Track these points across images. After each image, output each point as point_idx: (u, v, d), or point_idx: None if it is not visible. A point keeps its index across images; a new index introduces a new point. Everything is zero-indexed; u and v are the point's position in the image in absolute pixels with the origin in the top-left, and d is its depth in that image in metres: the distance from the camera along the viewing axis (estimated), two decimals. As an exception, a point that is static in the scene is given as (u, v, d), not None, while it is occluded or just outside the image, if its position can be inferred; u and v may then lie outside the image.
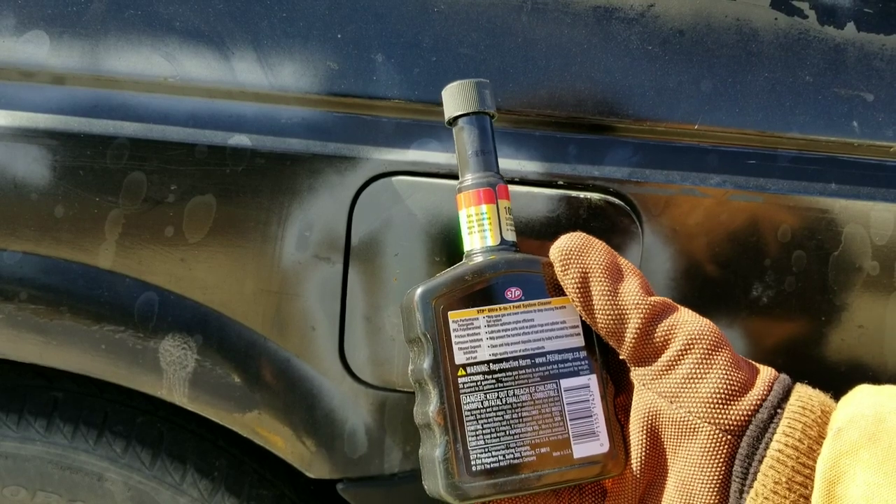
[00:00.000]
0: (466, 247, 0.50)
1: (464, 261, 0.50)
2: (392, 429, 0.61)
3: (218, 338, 0.59)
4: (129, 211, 0.56)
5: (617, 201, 0.55)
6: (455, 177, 0.55)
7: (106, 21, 0.56)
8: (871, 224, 0.56)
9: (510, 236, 0.50)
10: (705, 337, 0.44)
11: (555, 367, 0.47)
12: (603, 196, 0.55)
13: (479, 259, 0.48)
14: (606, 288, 0.45)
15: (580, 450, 0.47)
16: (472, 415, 0.46)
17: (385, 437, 0.61)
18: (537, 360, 0.47)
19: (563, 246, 0.46)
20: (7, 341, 0.60)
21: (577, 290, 0.45)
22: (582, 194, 0.55)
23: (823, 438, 0.42)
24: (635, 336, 0.45)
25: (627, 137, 0.56)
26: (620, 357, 0.47)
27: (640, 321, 0.44)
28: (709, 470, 0.43)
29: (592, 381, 0.48)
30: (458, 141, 0.50)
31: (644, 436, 0.46)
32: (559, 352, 0.48)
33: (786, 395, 0.44)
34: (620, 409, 0.49)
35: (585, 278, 0.45)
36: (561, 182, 0.55)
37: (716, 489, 0.43)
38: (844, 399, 0.44)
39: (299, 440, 0.62)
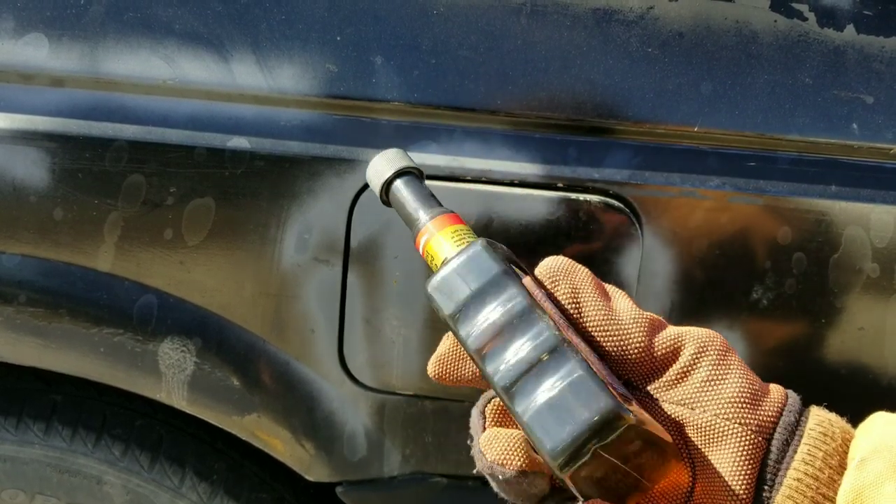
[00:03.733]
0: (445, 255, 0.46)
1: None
2: (392, 432, 0.61)
3: (217, 340, 0.59)
4: (128, 213, 0.56)
5: (617, 203, 0.55)
6: (455, 179, 0.55)
7: (105, 23, 0.55)
8: (871, 226, 0.56)
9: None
10: (715, 340, 0.43)
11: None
12: (603, 198, 0.55)
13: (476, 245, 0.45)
14: (600, 303, 0.43)
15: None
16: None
17: (384, 440, 0.61)
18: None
19: (549, 265, 0.45)
20: (6, 344, 0.60)
21: (570, 306, 0.43)
22: (582, 197, 0.55)
23: (844, 468, 0.40)
24: (640, 350, 0.42)
25: (627, 140, 0.56)
26: (623, 378, 0.44)
27: (642, 335, 0.42)
28: (744, 473, 0.40)
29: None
30: (401, 197, 0.48)
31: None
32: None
33: (801, 409, 0.42)
34: None
35: (576, 294, 0.43)
36: (561, 184, 0.55)
37: (751, 490, 0.40)
38: (864, 427, 0.42)
39: (298, 443, 0.61)
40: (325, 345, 0.58)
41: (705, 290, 0.57)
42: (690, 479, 0.42)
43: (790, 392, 0.43)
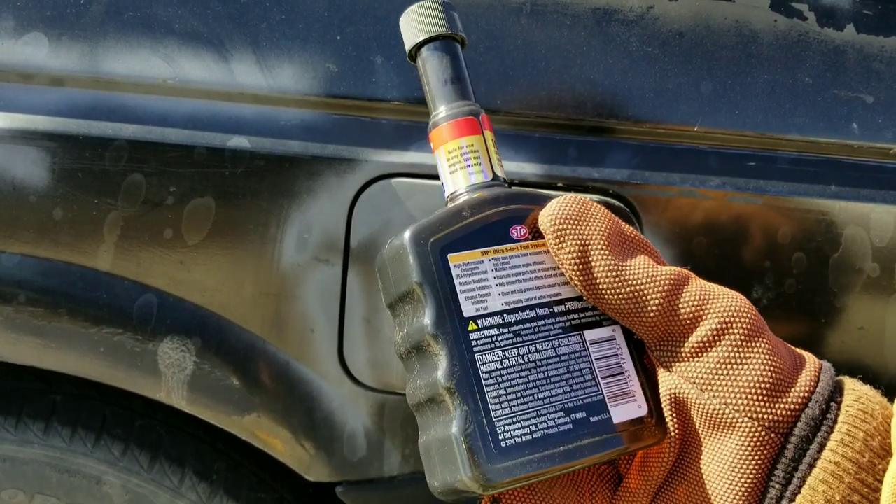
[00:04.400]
0: (448, 190, 0.42)
1: (447, 205, 0.42)
2: (391, 431, 0.61)
3: (217, 340, 0.59)
4: (128, 213, 0.56)
5: (617, 203, 0.55)
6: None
7: (105, 23, 0.55)
8: (871, 226, 0.56)
9: (501, 172, 0.42)
10: (743, 317, 0.37)
11: (575, 316, 0.40)
12: (603, 198, 0.55)
13: (469, 196, 0.41)
14: (612, 262, 0.37)
15: (619, 413, 0.39)
16: (491, 377, 0.37)
17: (384, 440, 0.61)
18: (556, 309, 0.39)
19: (556, 213, 0.38)
20: (5, 344, 0.60)
21: (577, 267, 0.38)
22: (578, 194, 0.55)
23: (886, 451, 0.36)
24: (657, 313, 0.37)
25: (627, 139, 0.56)
26: (636, 337, 0.41)
27: (660, 296, 0.37)
28: (744, 471, 0.36)
29: (618, 332, 0.41)
30: (424, 72, 0.43)
31: (669, 421, 0.39)
32: (577, 298, 0.40)
33: (836, 389, 0.37)
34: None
35: (585, 251, 0.38)
36: (561, 184, 0.55)
37: (747, 492, 0.36)
38: None
39: (298, 443, 0.61)
40: (325, 344, 0.58)
41: (705, 290, 0.57)
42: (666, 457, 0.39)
43: (824, 371, 0.38)
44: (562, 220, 0.38)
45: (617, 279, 0.38)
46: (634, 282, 0.38)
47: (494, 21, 0.55)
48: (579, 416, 0.38)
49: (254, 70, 0.55)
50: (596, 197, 0.55)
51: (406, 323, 0.39)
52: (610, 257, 0.38)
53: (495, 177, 0.42)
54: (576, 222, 0.38)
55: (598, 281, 0.38)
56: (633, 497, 0.40)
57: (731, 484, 0.37)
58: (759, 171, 0.56)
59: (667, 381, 0.39)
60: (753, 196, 0.56)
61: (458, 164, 0.42)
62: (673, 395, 0.39)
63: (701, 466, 0.38)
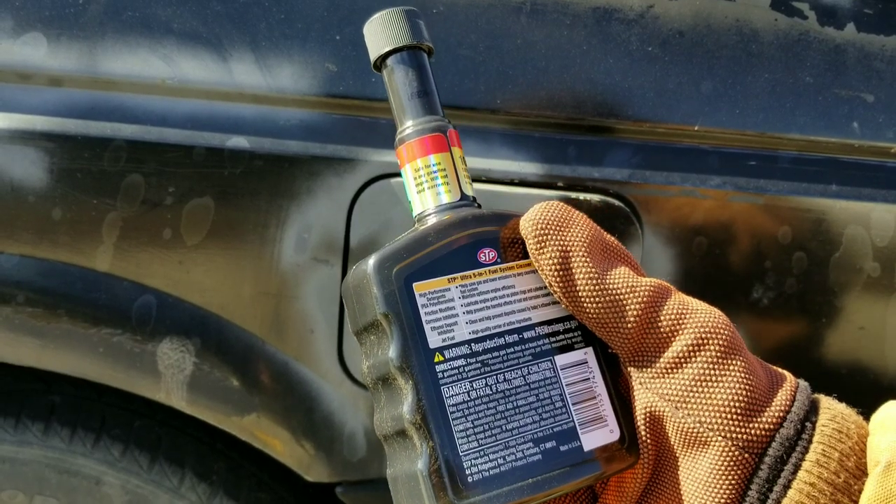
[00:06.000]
0: (416, 210, 0.41)
1: (416, 225, 0.41)
2: (391, 432, 0.61)
3: (216, 341, 0.59)
4: (127, 213, 0.56)
5: (617, 203, 0.55)
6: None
7: (103, 23, 0.55)
8: (872, 225, 0.56)
9: (469, 190, 0.41)
10: (720, 333, 0.37)
11: (546, 341, 0.39)
12: (603, 198, 0.55)
13: (437, 219, 0.39)
14: (593, 270, 0.37)
15: (590, 440, 0.38)
16: (458, 410, 0.36)
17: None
18: (525, 335, 0.38)
19: (538, 218, 0.38)
20: (4, 344, 0.60)
21: (557, 273, 0.37)
22: (582, 196, 0.55)
23: (862, 471, 0.35)
24: (635, 325, 0.37)
25: (627, 139, 0.56)
26: (611, 351, 0.40)
27: (639, 307, 0.37)
28: (717, 490, 0.36)
29: (590, 354, 0.40)
30: (389, 85, 0.42)
31: (644, 439, 0.39)
32: (548, 322, 0.39)
33: (812, 409, 0.37)
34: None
35: (566, 258, 0.37)
36: (561, 184, 0.55)
37: None
38: (881, 422, 0.37)
39: (298, 443, 0.61)
40: (325, 345, 0.58)
41: (705, 290, 0.56)
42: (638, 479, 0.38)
43: (800, 390, 0.38)
44: (544, 226, 0.38)
45: (597, 287, 0.37)
46: (614, 291, 0.37)
47: (494, 20, 0.55)
48: (549, 445, 0.37)
49: (253, 70, 0.55)
50: (596, 197, 0.55)
51: (372, 353, 0.38)
52: (591, 265, 0.37)
53: (463, 196, 0.41)
54: (558, 228, 0.38)
55: (577, 288, 0.37)
56: None
57: (704, 499, 0.36)
58: (759, 171, 0.56)
59: (642, 398, 0.38)
60: (754, 195, 0.55)
61: (426, 184, 0.41)
62: (648, 413, 0.38)
63: (677, 485, 0.37)
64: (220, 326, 0.58)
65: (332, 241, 0.56)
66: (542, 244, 0.37)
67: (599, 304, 0.37)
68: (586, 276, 0.37)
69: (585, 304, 0.37)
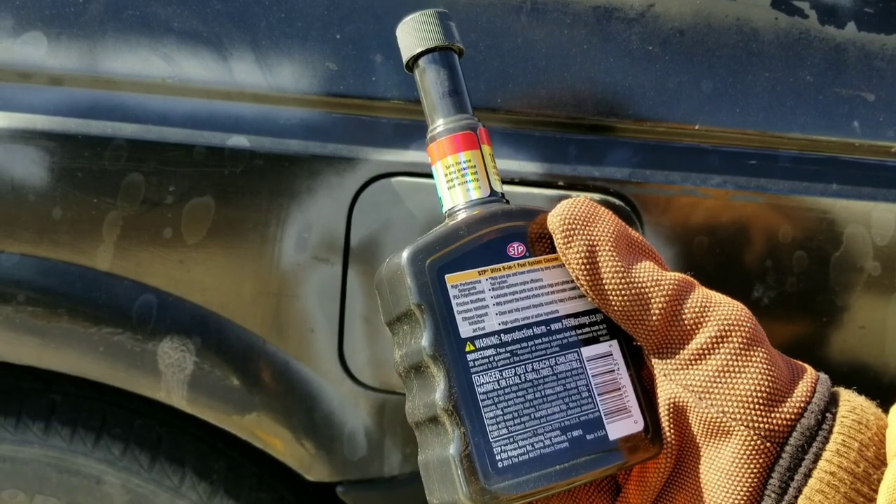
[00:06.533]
0: (446, 206, 0.43)
1: (447, 220, 0.42)
2: (392, 431, 0.61)
3: (217, 340, 0.59)
4: (128, 212, 0.56)
5: (617, 202, 0.55)
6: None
7: (104, 22, 0.55)
8: (873, 224, 0.56)
9: (498, 186, 0.43)
10: (743, 325, 0.38)
11: (572, 333, 0.40)
12: (603, 197, 0.55)
13: (466, 214, 0.41)
14: (619, 264, 0.38)
15: (615, 429, 0.39)
16: (488, 398, 0.37)
17: (385, 440, 0.61)
18: (553, 327, 0.40)
19: (566, 214, 0.39)
20: (5, 344, 0.60)
21: (584, 267, 0.38)
22: (582, 195, 0.55)
23: (881, 461, 0.36)
24: (660, 318, 0.38)
25: (628, 138, 0.56)
26: (636, 343, 0.41)
27: (663, 300, 0.38)
28: (740, 479, 0.37)
29: (615, 347, 0.41)
30: (421, 84, 0.43)
31: (667, 430, 0.39)
32: (574, 315, 0.40)
33: (832, 400, 0.38)
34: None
35: (593, 252, 0.38)
36: (561, 183, 0.55)
37: (744, 502, 0.37)
38: None
39: (298, 442, 0.61)
40: (325, 344, 0.58)
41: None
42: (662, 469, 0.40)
43: (820, 382, 0.39)
44: (571, 221, 0.39)
45: (623, 281, 0.38)
46: (640, 285, 0.38)
47: (494, 19, 0.55)
48: (576, 433, 0.38)
49: (253, 69, 0.55)
50: (597, 196, 0.55)
51: (404, 343, 0.40)
52: (617, 259, 0.38)
53: (493, 192, 0.42)
54: (585, 223, 0.39)
55: (604, 282, 0.38)
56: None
57: (727, 492, 0.37)
58: (760, 170, 0.56)
59: (665, 389, 0.39)
60: (754, 195, 0.55)
61: (456, 180, 0.42)
62: (672, 403, 0.39)
63: (699, 475, 0.38)
64: (220, 325, 0.58)
65: (333, 241, 0.56)
66: (570, 239, 0.38)
67: (625, 298, 0.38)
68: (612, 269, 0.38)
69: (611, 298, 0.38)
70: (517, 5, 0.55)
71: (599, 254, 0.38)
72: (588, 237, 0.38)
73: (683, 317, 0.38)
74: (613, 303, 0.38)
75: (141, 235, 0.56)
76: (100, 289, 0.58)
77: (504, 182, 0.55)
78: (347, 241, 0.56)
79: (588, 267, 0.38)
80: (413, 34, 0.43)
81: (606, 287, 0.38)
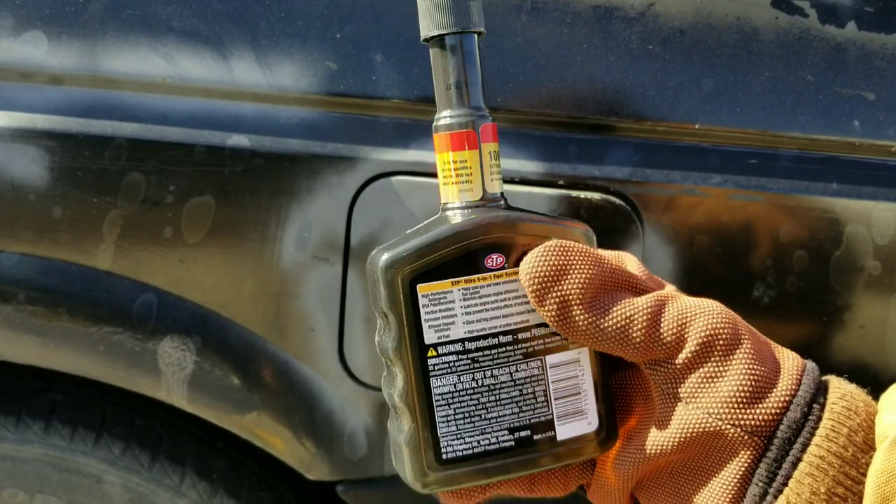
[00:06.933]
0: (442, 198, 0.43)
1: (439, 215, 0.42)
2: (392, 430, 0.61)
3: (217, 339, 0.59)
4: (128, 212, 0.56)
5: (618, 201, 0.55)
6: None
7: (104, 21, 0.55)
8: (873, 224, 0.56)
9: (495, 187, 0.42)
10: (721, 333, 0.39)
11: (540, 342, 0.41)
12: (603, 196, 0.55)
13: (455, 218, 0.41)
14: (591, 316, 0.39)
15: (565, 430, 0.42)
16: (443, 399, 0.40)
17: (385, 439, 0.61)
18: (520, 336, 0.41)
19: (535, 271, 0.39)
20: (5, 343, 0.60)
21: (559, 323, 0.40)
22: (582, 194, 0.55)
23: (869, 446, 0.38)
24: (641, 346, 0.40)
25: (628, 137, 0.56)
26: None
27: (642, 331, 0.39)
28: (729, 471, 0.39)
29: (584, 353, 0.42)
30: (434, 66, 0.42)
31: (657, 434, 0.41)
32: (545, 324, 0.41)
33: (819, 390, 0.39)
34: (623, 384, 0.45)
35: (566, 308, 0.39)
36: (561, 182, 0.55)
37: (733, 490, 0.39)
38: (889, 400, 0.39)
39: (299, 442, 0.61)
40: (326, 343, 0.58)
41: (706, 288, 0.56)
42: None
43: (807, 373, 0.40)
44: (541, 279, 0.39)
45: (598, 330, 0.40)
46: (615, 327, 0.40)
47: (495, 18, 0.55)
48: (523, 434, 0.41)
49: (253, 68, 0.55)
50: (597, 195, 0.55)
51: (380, 332, 0.42)
52: (589, 311, 0.39)
53: (486, 195, 0.42)
54: (554, 279, 0.39)
55: (580, 332, 0.40)
56: (610, 491, 0.43)
57: (716, 485, 0.39)
58: (760, 169, 0.56)
59: (657, 396, 0.41)
60: (755, 194, 0.55)
61: (450, 179, 0.42)
62: (662, 408, 0.41)
63: (691, 471, 0.40)
64: (220, 325, 0.58)
65: (333, 240, 0.56)
66: (541, 299, 0.39)
67: (603, 342, 0.40)
68: (586, 322, 0.39)
69: (591, 343, 0.40)
70: (517, 4, 0.55)
71: (572, 309, 0.39)
72: (559, 295, 0.39)
73: (663, 339, 0.40)
74: (595, 346, 0.40)
75: (141, 235, 0.56)
76: (100, 288, 0.58)
77: (504, 181, 0.55)
78: (348, 241, 0.56)
79: (563, 322, 0.40)
80: (428, 14, 0.41)
81: (584, 337, 0.40)
